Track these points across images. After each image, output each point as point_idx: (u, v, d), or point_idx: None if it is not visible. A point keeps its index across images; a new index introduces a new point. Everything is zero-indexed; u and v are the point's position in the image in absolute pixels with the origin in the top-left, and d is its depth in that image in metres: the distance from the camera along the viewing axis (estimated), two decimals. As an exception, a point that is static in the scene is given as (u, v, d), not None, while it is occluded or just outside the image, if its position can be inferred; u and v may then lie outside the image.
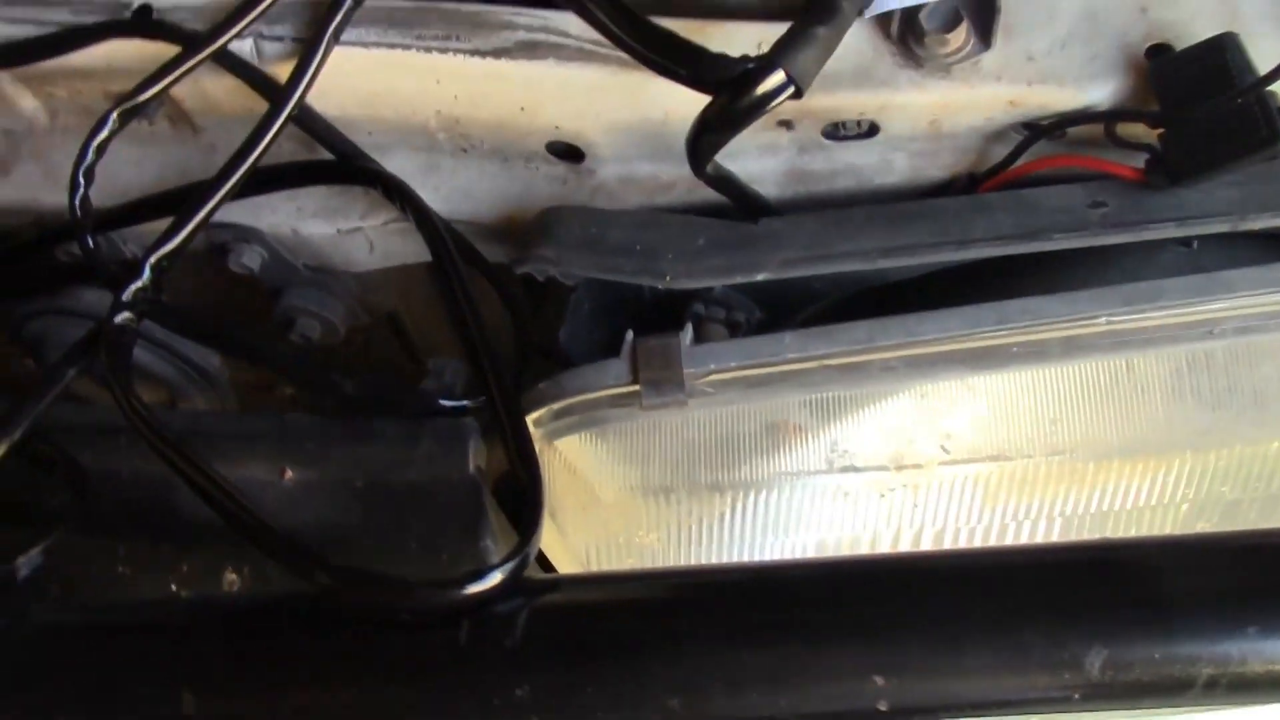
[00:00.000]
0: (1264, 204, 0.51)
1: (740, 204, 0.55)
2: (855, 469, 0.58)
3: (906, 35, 0.54)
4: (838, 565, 0.46)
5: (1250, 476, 0.58)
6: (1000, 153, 0.56)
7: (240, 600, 0.50)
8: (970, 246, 0.53)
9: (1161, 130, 0.51)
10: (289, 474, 0.52)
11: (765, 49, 0.46)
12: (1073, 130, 0.55)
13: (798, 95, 0.44)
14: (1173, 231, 0.51)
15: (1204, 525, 0.59)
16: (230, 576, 0.51)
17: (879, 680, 0.39)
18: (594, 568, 0.62)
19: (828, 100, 0.56)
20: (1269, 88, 0.48)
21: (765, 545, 0.61)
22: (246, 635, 0.44)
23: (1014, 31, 0.54)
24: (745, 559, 0.61)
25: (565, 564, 0.62)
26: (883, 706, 0.39)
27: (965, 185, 0.56)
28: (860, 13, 0.45)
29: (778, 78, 0.44)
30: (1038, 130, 0.54)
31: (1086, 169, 0.53)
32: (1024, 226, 0.53)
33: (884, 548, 0.61)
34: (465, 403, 0.56)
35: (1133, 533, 0.60)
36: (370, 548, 0.52)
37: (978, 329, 0.51)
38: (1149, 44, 0.53)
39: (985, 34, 0.54)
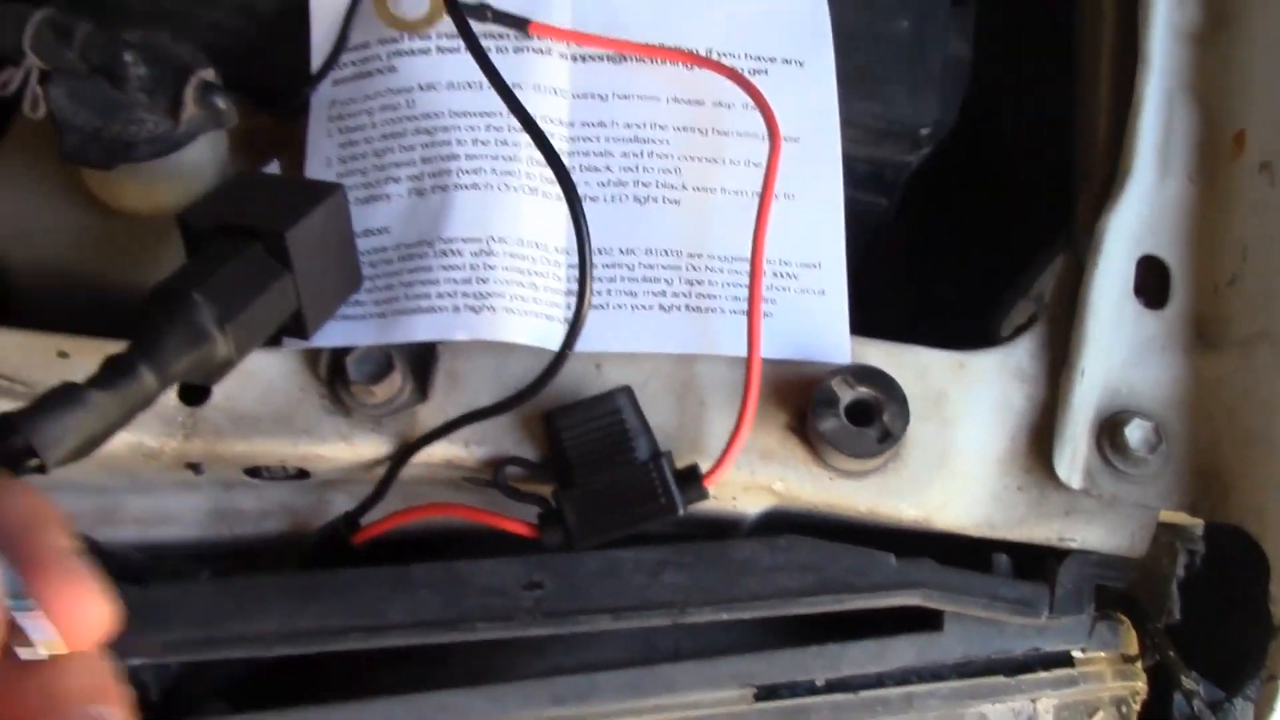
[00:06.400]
0: (708, 595, 0.47)
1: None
2: None
3: (335, 378, 0.50)
4: None
5: None
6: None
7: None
8: (384, 633, 0.47)
9: (554, 486, 0.48)
10: None
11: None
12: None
13: (42, 470, 0.36)
14: (608, 624, 0.47)
15: None
16: None
17: None
18: None
19: (240, 445, 0.50)
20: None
21: None
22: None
23: (457, 382, 0.50)
24: None
25: None
26: None
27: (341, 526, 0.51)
28: (166, 385, 0.39)
29: (17, 443, 0.35)
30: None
31: (479, 521, 0.49)
32: (449, 611, 0.47)
33: None
34: None
35: None
36: None
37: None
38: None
39: (422, 385, 0.50)
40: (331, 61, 0.52)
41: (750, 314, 0.49)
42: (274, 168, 0.53)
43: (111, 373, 0.39)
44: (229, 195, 0.48)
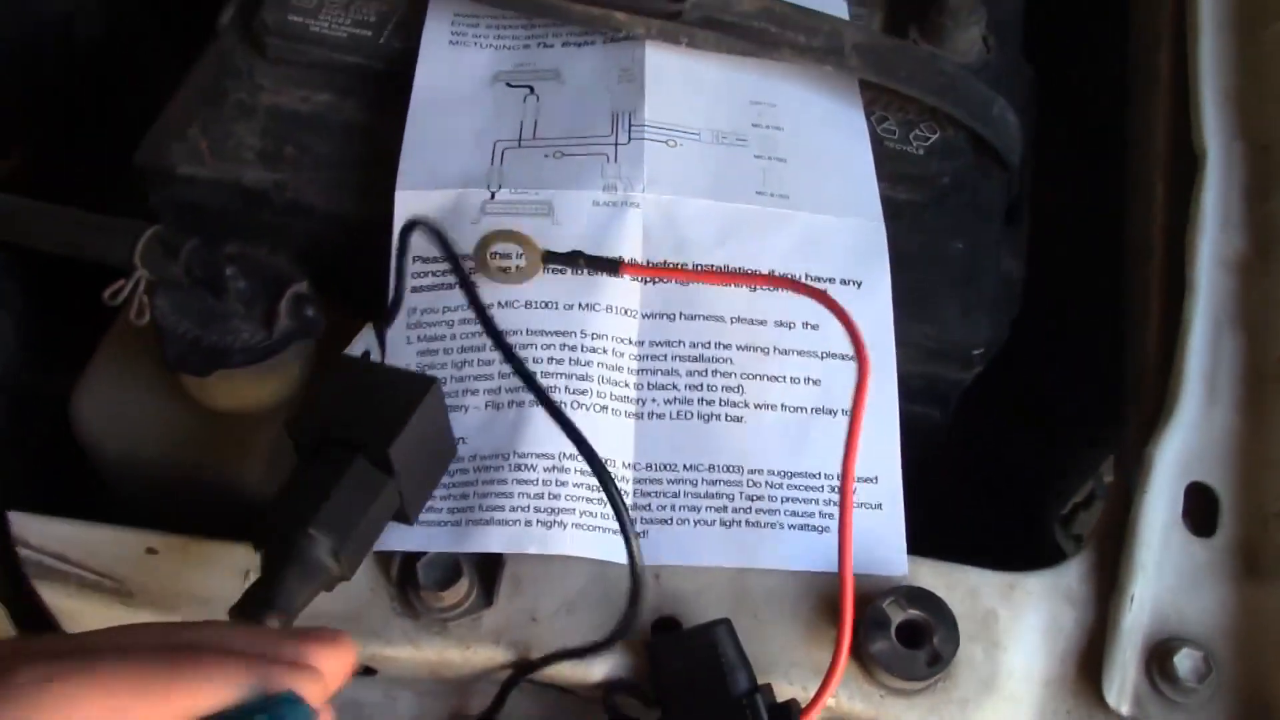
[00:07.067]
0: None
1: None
2: None
3: (405, 582, 0.52)
4: None
5: None
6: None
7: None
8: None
9: (659, 713, 0.49)
10: None
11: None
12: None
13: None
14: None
15: None
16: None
17: None
18: None
19: (312, 644, 0.52)
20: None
21: None
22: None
23: (520, 588, 0.53)
24: None
25: None
26: None
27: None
28: (289, 623, 0.44)
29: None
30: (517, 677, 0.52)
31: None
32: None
33: None
34: None
35: None
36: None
37: None
38: (657, 615, 0.52)
39: (488, 591, 0.52)
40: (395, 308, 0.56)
41: (841, 547, 0.50)
42: (367, 336, 0.55)
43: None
44: (330, 397, 0.50)
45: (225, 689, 0.33)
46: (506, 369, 0.55)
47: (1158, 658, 0.51)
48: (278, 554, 0.45)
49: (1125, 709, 0.51)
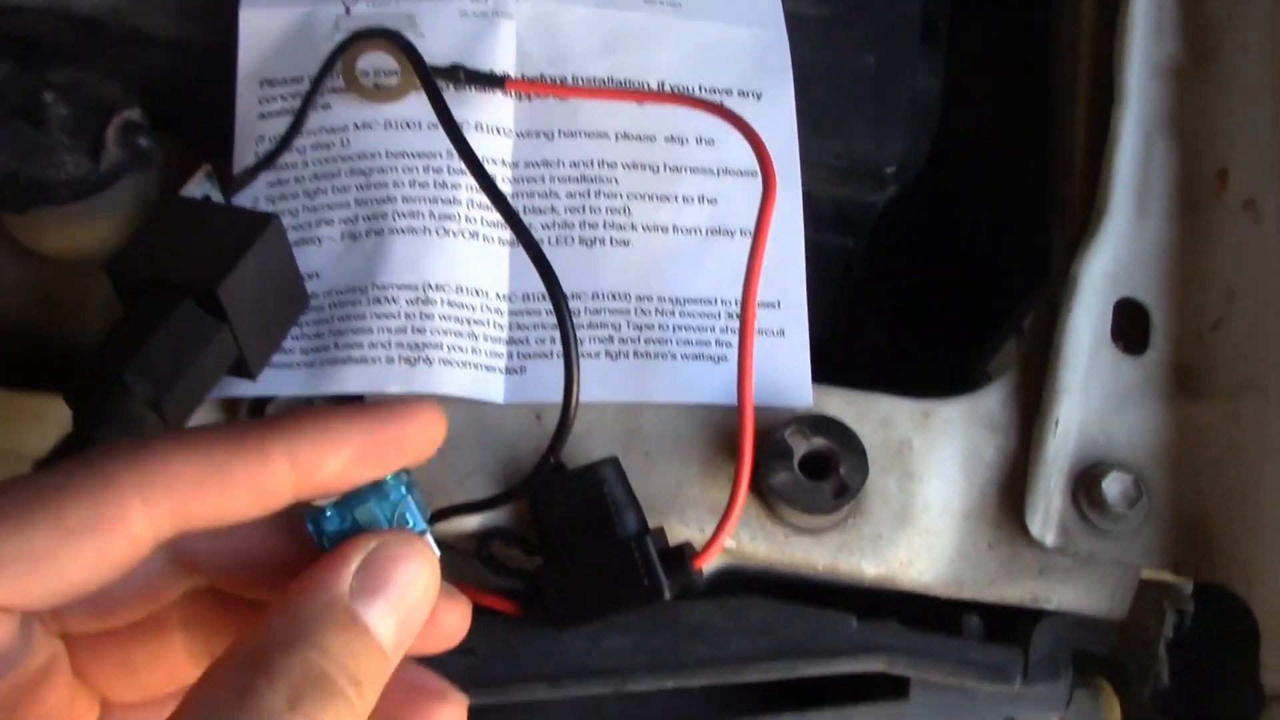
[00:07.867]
0: (653, 661, 0.44)
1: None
2: None
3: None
4: None
5: None
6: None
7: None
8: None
9: (540, 562, 0.45)
10: None
11: None
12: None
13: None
14: (542, 694, 0.44)
15: None
16: None
17: None
18: None
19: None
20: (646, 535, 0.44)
21: None
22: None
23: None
24: None
25: None
26: None
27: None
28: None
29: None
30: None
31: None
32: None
33: None
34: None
35: None
36: None
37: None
38: (538, 457, 0.47)
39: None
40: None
41: (741, 371, 0.45)
42: (203, 179, 0.50)
43: None
44: (157, 237, 0.45)
45: (332, 444, 0.29)
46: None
47: (1085, 484, 0.48)
48: (90, 405, 0.40)
49: (1050, 539, 0.47)
